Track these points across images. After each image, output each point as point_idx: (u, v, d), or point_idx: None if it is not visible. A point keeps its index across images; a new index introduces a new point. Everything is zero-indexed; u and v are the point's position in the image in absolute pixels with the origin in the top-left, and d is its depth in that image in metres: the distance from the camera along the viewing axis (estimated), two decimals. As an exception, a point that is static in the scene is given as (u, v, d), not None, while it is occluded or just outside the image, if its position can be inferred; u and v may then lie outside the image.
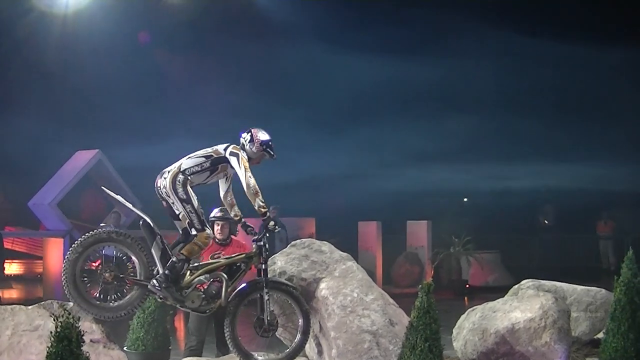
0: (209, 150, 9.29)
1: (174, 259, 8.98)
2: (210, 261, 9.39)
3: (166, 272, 8.93)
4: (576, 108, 38.30)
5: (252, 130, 9.33)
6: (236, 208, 9.61)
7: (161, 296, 9.06)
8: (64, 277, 8.85)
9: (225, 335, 9.08)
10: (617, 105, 37.22)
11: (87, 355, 5.69)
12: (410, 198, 35.18)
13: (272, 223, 9.10)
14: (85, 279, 8.94)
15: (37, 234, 24.28)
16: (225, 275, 9.10)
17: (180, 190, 9.05)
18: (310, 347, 9.45)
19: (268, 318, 9.08)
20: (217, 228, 10.90)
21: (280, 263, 9.64)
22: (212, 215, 10.45)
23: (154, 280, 8.94)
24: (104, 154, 21.66)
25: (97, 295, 9.01)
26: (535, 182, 38.11)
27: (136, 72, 31.83)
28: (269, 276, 9.38)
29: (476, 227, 27.03)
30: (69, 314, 5.69)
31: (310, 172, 36.01)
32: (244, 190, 9.00)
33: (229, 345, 9.14)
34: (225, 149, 9.22)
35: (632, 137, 35.44)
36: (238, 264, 9.20)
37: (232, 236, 11.17)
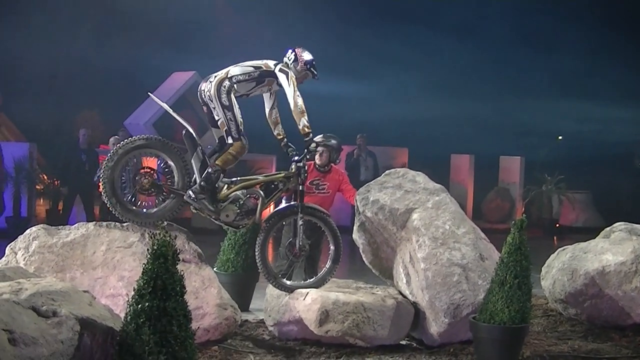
0: (259, 62, 9.33)
1: (209, 169, 9.05)
2: (248, 177, 9.46)
3: (202, 183, 9.03)
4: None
5: (296, 49, 9.37)
6: (280, 127, 9.58)
7: (196, 207, 9.15)
8: (102, 181, 8.94)
9: (256, 252, 9.22)
10: None
11: (182, 273, 5.79)
12: (504, 134, 34.87)
13: (313, 145, 9.12)
14: (125, 184, 9.09)
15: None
16: (262, 192, 9.19)
17: (224, 96, 9.13)
18: (398, 277, 9.47)
19: (300, 243, 9.20)
20: (317, 154, 10.83)
21: (374, 192, 9.63)
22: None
23: (190, 191, 9.05)
24: (199, 75, 21.80)
25: (134, 200, 9.13)
26: (633, 125, 37.29)
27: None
28: (357, 203, 9.59)
29: (569, 167, 26.63)
30: (166, 231, 5.78)
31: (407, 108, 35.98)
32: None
33: (258, 263, 9.24)
34: (275, 65, 9.26)
35: None
36: (276, 183, 9.28)
37: (332, 164, 11.12)
